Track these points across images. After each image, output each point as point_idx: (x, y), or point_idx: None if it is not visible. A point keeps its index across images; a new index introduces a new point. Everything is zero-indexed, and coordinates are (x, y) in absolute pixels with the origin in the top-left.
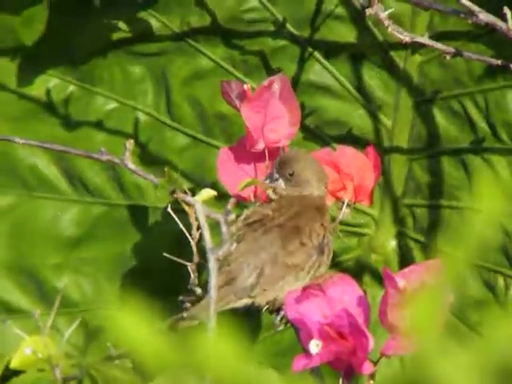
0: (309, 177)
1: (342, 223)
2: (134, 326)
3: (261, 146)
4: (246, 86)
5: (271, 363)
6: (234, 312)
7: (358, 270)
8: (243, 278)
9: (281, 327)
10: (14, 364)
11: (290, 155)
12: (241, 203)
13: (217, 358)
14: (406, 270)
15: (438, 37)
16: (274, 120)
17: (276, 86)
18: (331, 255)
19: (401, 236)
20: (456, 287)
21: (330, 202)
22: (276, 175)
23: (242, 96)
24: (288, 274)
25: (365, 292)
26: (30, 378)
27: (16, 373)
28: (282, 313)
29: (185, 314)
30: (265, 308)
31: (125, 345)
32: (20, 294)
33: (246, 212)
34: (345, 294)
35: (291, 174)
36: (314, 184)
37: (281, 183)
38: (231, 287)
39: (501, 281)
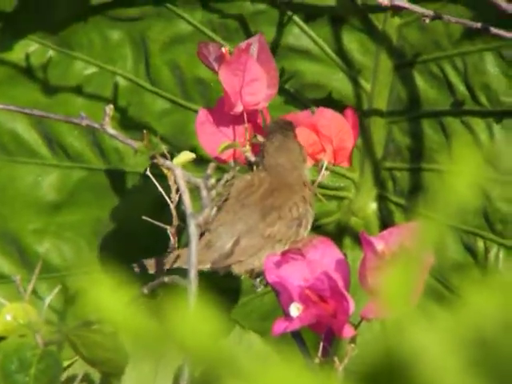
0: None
1: (322, 187)
2: (108, 295)
3: (239, 108)
4: (223, 49)
5: (252, 327)
6: (213, 277)
7: (339, 233)
8: (220, 245)
9: (260, 288)
10: None
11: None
12: (221, 167)
13: (193, 329)
14: (385, 232)
15: None
16: (252, 82)
17: (253, 48)
18: (309, 226)
19: (381, 199)
20: (435, 250)
21: (309, 164)
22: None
23: (220, 59)
24: (264, 245)
25: (345, 255)
26: (12, 343)
27: None
28: (261, 276)
29: (165, 279)
30: (243, 276)
31: (99, 314)
32: (1, 260)
33: (226, 176)
34: (325, 257)
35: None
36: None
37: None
38: (209, 253)
39: (481, 244)
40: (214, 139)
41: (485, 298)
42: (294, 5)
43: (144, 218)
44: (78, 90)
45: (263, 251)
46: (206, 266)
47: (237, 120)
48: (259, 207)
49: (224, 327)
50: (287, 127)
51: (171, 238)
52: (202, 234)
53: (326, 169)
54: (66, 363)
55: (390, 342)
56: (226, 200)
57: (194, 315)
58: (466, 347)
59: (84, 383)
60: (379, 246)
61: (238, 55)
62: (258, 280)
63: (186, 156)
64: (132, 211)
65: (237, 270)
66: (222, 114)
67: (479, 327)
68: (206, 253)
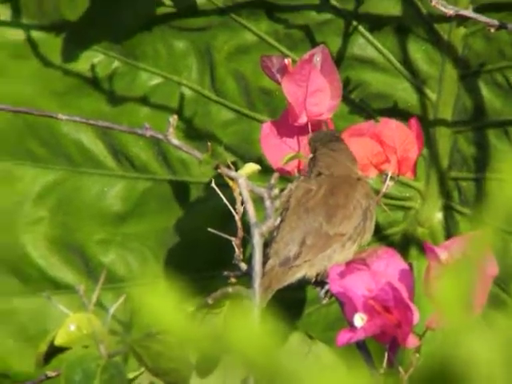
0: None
1: (388, 197)
2: (170, 305)
3: (303, 119)
4: (286, 60)
5: (318, 337)
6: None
7: (405, 244)
8: (286, 251)
9: (325, 301)
10: (59, 341)
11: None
12: (285, 177)
13: (255, 341)
14: (448, 241)
15: (482, 9)
16: (315, 93)
17: (317, 59)
18: (375, 219)
19: (447, 209)
20: (498, 257)
21: (374, 174)
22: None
23: (283, 70)
24: (332, 243)
25: (412, 265)
26: (75, 354)
27: (61, 349)
28: (326, 286)
29: (230, 289)
30: (314, 279)
31: (160, 325)
32: (66, 270)
33: (290, 186)
34: (389, 267)
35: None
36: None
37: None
38: (275, 260)
39: None
40: (279, 151)
41: None
42: (359, 15)
43: (209, 229)
44: (143, 101)
45: (334, 251)
46: (284, 283)
47: (301, 131)
48: (324, 209)
49: (286, 338)
50: (330, 133)
51: (236, 249)
52: (266, 247)
53: (391, 179)
54: (131, 374)
55: (447, 351)
56: (287, 210)
57: (256, 327)
58: None
59: None
60: (443, 255)
61: (301, 66)
62: (323, 292)
63: (251, 167)
64: (197, 222)
65: (309, 273)
66: (287, 125)
67: None
68: (274, 262)
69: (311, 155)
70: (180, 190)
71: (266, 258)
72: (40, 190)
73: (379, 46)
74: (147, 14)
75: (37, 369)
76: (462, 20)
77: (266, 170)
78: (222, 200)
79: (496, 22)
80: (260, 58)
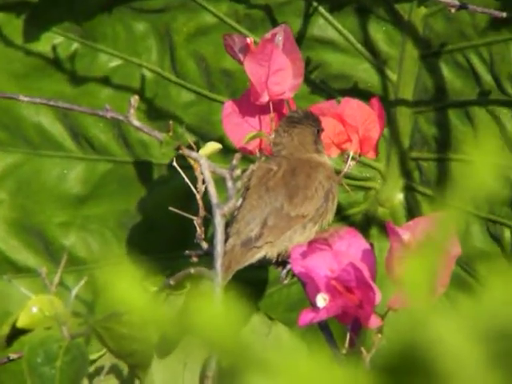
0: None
1: (348, 177)
2: (132, 287)
3: (265, 98)
4: (248, 40)
5: (279, 318)
6: (240, 268)
7: (366, 224)
8: (248, 230)
9: (286, 281)
10: (21, 323)
11: (290, 119)
12: (246, 158)
13: (216, 321)
14: (411, 222)
15: None
16: (277, 72)
17: (279, 38)
18: (336, 200)
19: (408, 189)
20: (460, 239)
21: (335, 154)
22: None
23: (245, 49)
24: (293, 224)
25: (373, 245)
26: (38, 336)
27: (23, 331)
28: (288, 266)
29: (192, 270)
30: (275, 260)
31: (123, 306)
32: (27, 253)
33: (251, 167)
34: (351, 247)
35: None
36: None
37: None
38: (236, 239)
39: (507, 233)
40: (240, 130)
41: (509, 287)
42: None
43: (170, 208)
44: (103, 82)
45: (295, 232)
46: (245, 263)
47: (263, 110)
48: (284, 189)
49: (249, 318)
50: (305, 113)
51: (198, 228)
52: (227, 226)
53: (352, 159)
54: (94, 355)
55: (410, 331)
56: (248, 189)
57: (218, 308)
58: (488, 338)
59: (111, 375)
60: (405, 235)
61: (263, 46)
62: (285, 272)
63: (213, 146)
64: (158, 202)
65: (270, 253)
66: (248, 104)
67: (502, 317)
68: (235, 242)
69: (274, 135)
70: (140, 171)
71: (226, 236)
72: None
73: (339, 26)
74: None
75: None
76: (422, 0)
77: (227, 151)
78: (183, 181)
79: (457, 3)
80: (222, 36)
